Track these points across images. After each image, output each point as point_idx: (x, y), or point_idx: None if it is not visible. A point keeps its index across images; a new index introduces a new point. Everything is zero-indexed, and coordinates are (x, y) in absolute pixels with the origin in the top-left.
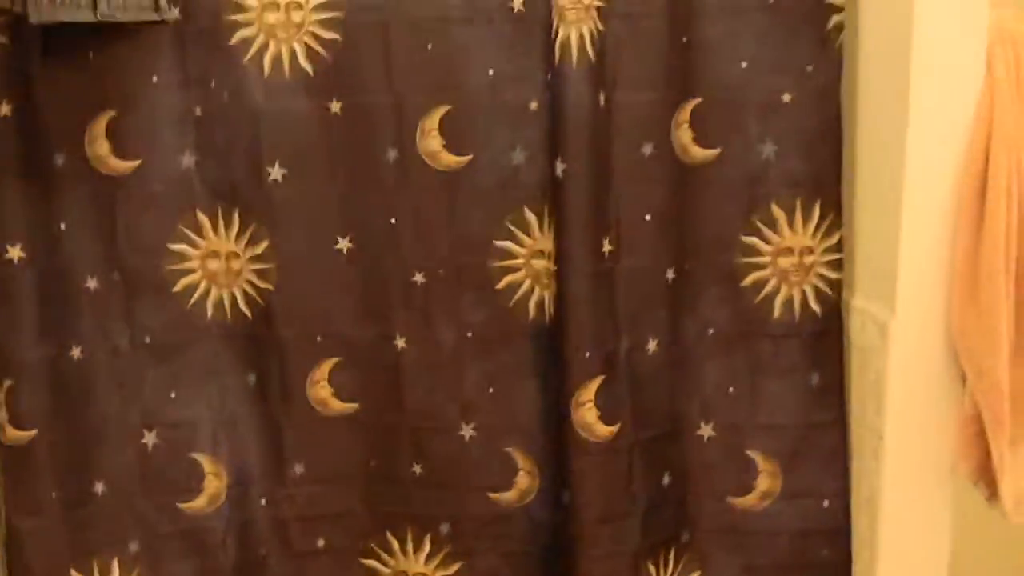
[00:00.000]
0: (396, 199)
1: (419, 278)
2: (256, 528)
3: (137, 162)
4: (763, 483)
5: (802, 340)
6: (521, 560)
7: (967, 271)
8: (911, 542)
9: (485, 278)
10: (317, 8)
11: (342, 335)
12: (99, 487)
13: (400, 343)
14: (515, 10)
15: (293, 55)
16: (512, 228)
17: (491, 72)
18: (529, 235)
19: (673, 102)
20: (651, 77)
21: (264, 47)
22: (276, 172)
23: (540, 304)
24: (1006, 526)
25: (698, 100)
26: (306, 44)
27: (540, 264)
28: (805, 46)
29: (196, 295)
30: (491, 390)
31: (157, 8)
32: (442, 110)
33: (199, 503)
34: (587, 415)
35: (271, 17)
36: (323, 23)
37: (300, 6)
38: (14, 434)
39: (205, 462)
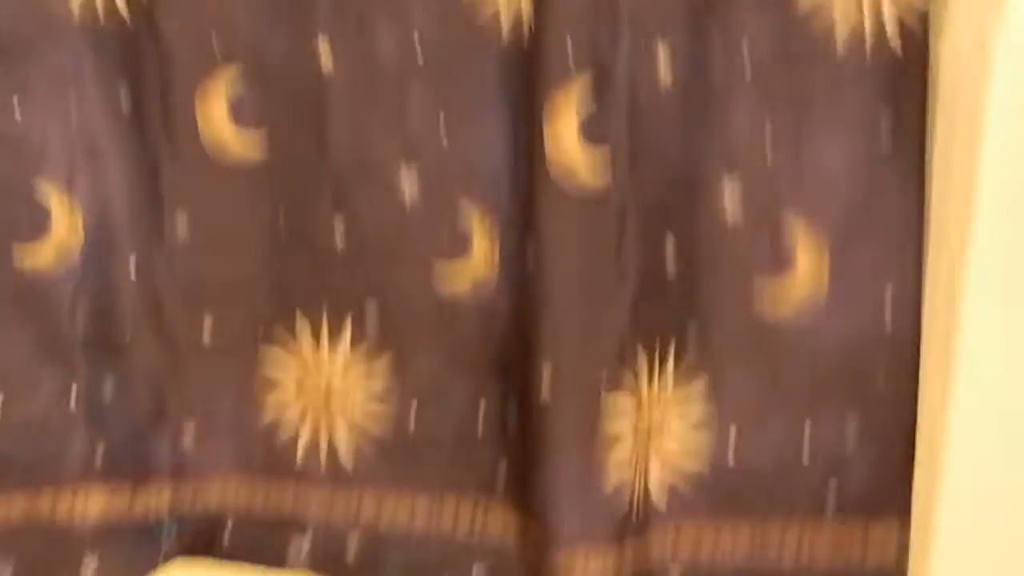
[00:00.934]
0: None
1: None
2: (118, 303)
3: None
4: (804, 264)
5: (871, 67)
6: (471, 361)
7: None
8: (1002, 355)
9: None
10: None
11: (247, 37)
12: None
13: (323, 52)
14: None
15: None
16: None
17: None
18: None
19: None
20: None
21: None
22: None
23: (516, 10)
24: None
25: None
26: None
27: None
28: None
29: None
30: (442, 124)
31: None
32: None
33: (44, 254)
34: (564, 129)
35: None
36: None
37: None
38: None
39: (55, 194)
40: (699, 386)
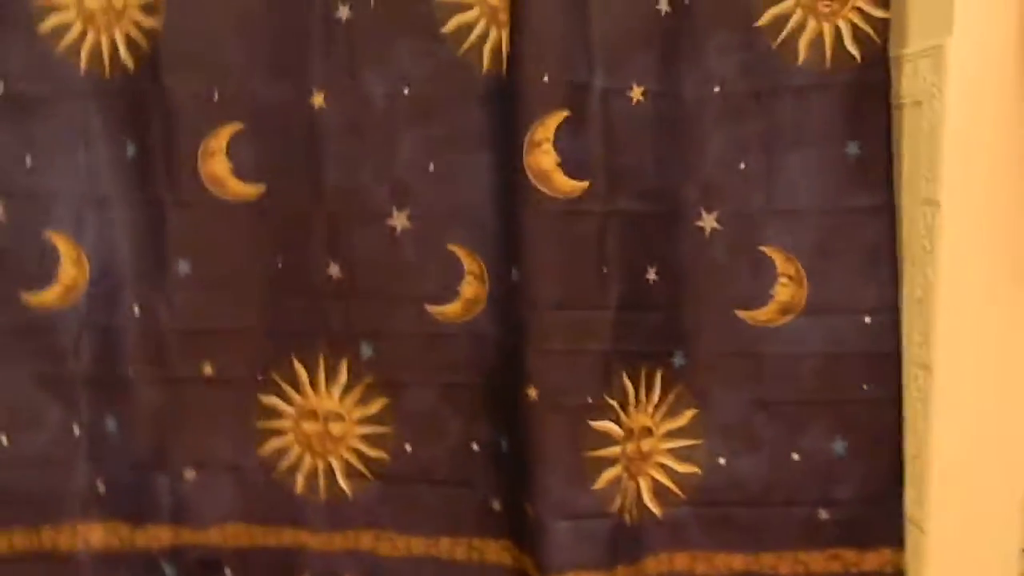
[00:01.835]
0: None
1: (344, 12)
2: (122, 340)
3: None
4: (783, 291)
5: (836, 93)
6: (463, 395)
7: None
8: (976, 360)
9: (428, 16)
10: None
11: (246, 91)
12: None
13: (317, 100)
14: None
15: None
16: None
17: None
18: None
19: None
20: None
21: None
22: None
23: (496, 50)
24: None
25: None
26: None
27: None
28: None
29: (69, 38)
30: (431, 166)
31: None
32: None
33: (50, 295)
34: (543, 160)
35: None
36: None
37: None
38: None
39: (62, 243)
40: (686, 415)
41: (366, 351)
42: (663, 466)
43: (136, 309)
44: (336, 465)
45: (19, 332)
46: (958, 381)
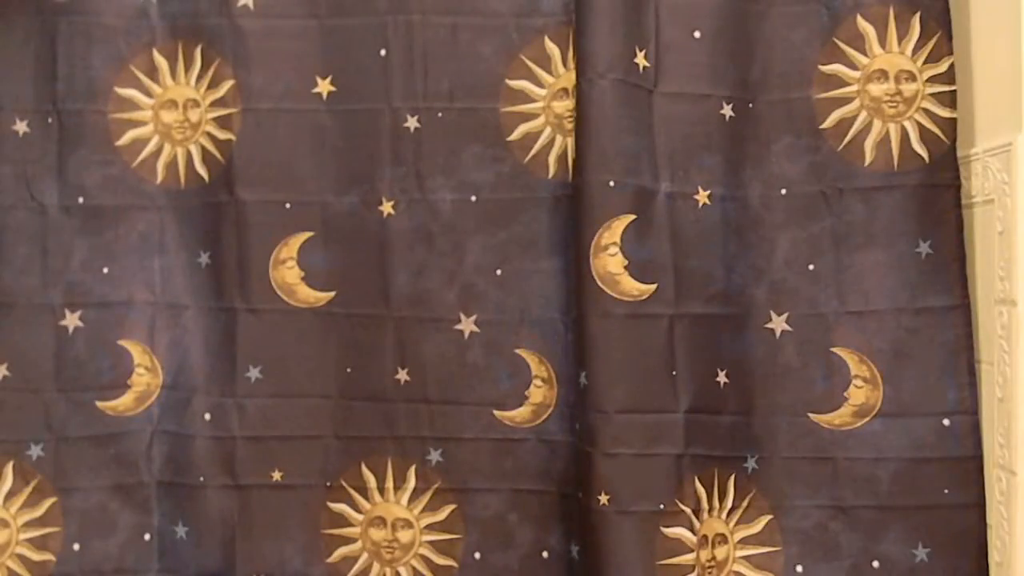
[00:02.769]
0: (388, 25)
1: (412, 123)
2: (193, 446)
3: None
4: (857, 393)
5: (905, 193)
6: (533, 502)
7: None
8: None
9: (495, 125)
10: None
11: (316, 201)
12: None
13: (386, 208)
14: None
15: None
16: (529, 64)
17: None
18: (550, 72)
19: None
20: None
21: None
22: None
23: (563, 158)
24: None
25: None
26: None
27: (562, 107)
28: None
29: (146, 152)
30: (499, 272)
31: None
32: None
33: (123, 402)
34: (610, 263)
35: None
36: None
37: None
38: None
39: (136, 352)
40: (761, 521)
41: (434, 456)
42: (739, 575)
43: (207, 415)
44: (404, 573)
45: (93, 439)
46: None
